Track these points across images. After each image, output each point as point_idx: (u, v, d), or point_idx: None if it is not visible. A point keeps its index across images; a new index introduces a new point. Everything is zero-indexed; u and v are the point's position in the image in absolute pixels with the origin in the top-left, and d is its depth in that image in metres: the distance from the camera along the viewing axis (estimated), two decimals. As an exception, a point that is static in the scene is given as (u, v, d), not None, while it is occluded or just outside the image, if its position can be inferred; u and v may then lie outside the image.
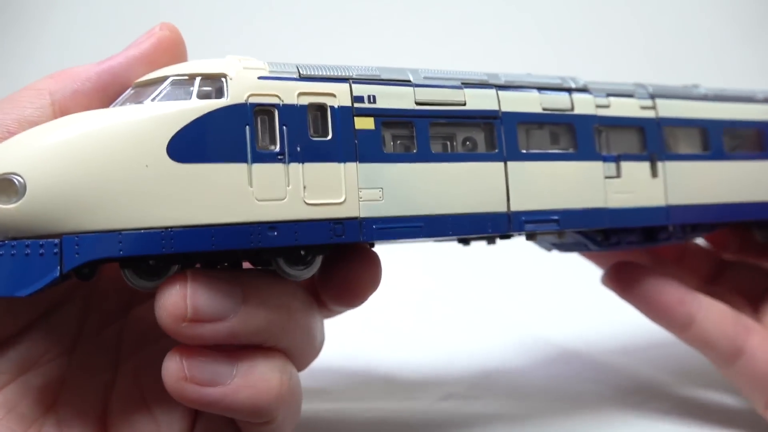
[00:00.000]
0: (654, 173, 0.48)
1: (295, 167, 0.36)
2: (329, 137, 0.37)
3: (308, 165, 0.36)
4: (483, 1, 1.19)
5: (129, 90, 0.37)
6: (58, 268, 0.32)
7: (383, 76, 0.40)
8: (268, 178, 0.35)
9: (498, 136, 0.42)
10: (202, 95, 0.35)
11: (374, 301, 0.41)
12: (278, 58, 0.39)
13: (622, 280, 0.52)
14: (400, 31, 1.16)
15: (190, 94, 0.35)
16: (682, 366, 0.63)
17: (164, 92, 0.35)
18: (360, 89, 0.39)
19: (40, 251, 0.32)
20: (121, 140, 0.33)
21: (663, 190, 0.48)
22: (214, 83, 0.36)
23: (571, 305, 0.80)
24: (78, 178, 0.32)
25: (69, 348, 0.40)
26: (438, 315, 0.82)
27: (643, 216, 0.47)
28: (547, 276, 0.84)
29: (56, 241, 0.32)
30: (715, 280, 0.59)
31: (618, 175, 0.47)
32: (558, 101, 0.45)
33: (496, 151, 0.42)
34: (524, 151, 0.43)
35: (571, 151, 0.45)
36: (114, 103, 0.37)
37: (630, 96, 0.49)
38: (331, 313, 0.45)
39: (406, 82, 0.40)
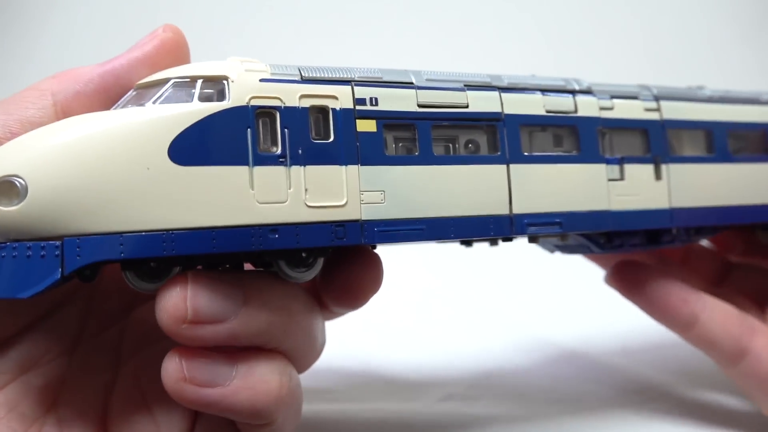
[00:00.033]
0: (658, 175, 0.48)
1: (296, 170, 0.36)
2: (331, 140, 0.37)
3: (310, 167, 0.36)
4: (483, 1, 1.19)
5: (131, 92, 0.37)
6: (60, 270, 0.32)
7: (385, 78, 0.40)
8: (269, 181, 0.35)
9: (501, 138, 0.42)
10: (204, 98, 0.35)
11: (375, 301, 0.41)
12: (278, 58, 0.39)
13: (626, 279, 0.52)
14: (401, 32, 1.15)
15: (192, 96, 0.35)
16: (683, 367, 0.63)
17: (166, 94, 0.35)
18: (362, 91, 0.38)
19: (42, 253, 0.32)
20: (122, 143, 0.33)
21: (667, 193, 0.48)
22: (216, 85, 0.36)
23: (572, 306, 0.80)
24: (79, 181, 0.32)
25: (70, 348, 0.40)
26: (438, 315, 0.82)
27: (647, 218, 0.47)
28: (548, 276, 0.84)
29: (58, 243, 0.32)
30: (721, 282, 0.59)
31: (621, 178, 0.46)
32: (561, 103, 0.45)
33: (499, 153, 0.42)
34: (527, 154, 0.43)
35: (574, 153, 0.45)
36: (116, 105, 0.37)
37: (634, 98, 0.49)
38: (332, 315, 0.45)
39: (408, 85, 0.40)
